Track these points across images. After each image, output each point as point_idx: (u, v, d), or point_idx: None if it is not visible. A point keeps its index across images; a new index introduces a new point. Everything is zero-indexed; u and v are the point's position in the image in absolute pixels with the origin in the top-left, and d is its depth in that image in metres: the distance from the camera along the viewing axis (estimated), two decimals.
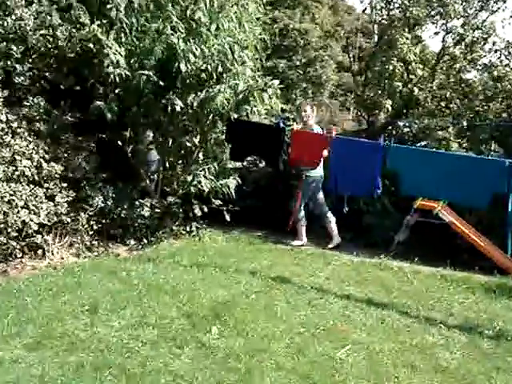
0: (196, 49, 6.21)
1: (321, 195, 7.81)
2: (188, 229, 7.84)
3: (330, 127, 6.54)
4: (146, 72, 6.21)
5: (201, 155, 7.62)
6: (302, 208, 7.94)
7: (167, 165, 7.69)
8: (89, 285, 5.70)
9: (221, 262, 6.70)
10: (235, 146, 6.95)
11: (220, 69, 6.38)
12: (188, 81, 6.47)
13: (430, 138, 8.20)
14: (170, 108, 6.52)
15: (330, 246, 7.90)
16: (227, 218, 7.81)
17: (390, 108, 8.38)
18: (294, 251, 7.59)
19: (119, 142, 7.27)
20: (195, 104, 6.55)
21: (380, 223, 8.10)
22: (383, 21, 9.24)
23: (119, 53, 6.10)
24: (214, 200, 7.71)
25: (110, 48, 5.96)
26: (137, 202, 7.48)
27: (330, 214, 7.90)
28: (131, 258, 6.81)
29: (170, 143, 7.48)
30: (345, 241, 8.19)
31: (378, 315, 5.45)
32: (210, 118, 7.18)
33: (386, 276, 6.76)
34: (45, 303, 5.16)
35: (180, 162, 7.80)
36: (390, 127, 8.89)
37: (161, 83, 6.58)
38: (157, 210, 7.53)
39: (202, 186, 7.19)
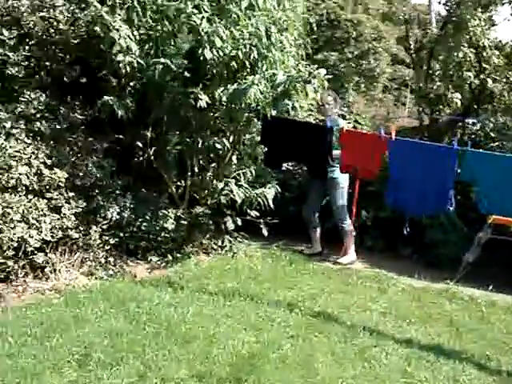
0: (223, 31, 4.91)
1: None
2: (220, 243, 6.60)
3: (386, 126, 5.14)
4: (163, 60, 4.96)
5: (234, 159, 6.35)
6: (347, 216, 6.61)
7: (196, 169, 6.43)
8: (88, 321, 4.53)
9: (253, 289, 5.45)
10: (271, 149, 5.62)
11: (254, 55, 5.08)
12: (215, 71, 5.20)
13: (506, 138, 6.70)
14: (197, 104, 5.26)
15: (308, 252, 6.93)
16: (265, 232, 6.53)
17: (459, 102, 6.90)
18: (342, 272, 6.25)
19: (139, 144, 6.07)
20: (224, 98, 5.27)
21: (445, 239, 6.69)
22: (448, 2, 7.68)
23: (129, 37, 4.86)
24: (249, 211, 6.41)
25: (118, 31, 4.73)
26: (160, 213, 6.27)
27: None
28: (149, 281, 5.62)
29: (200, 144, 6.20)
30: (403, 258, 6.84)
31: (449, 372, 4.13)
32: (246, 115, 5.89)
33: (455, 309, 5.38)
34: (26, 349, 4.02)
35: (212, 165, 6.53)
36: (457, 125, 7.41)
37: (186, 74, 5.35)
38: (182, 222, 6.31)
39: (234, 196, 5.91)
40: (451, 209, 4.63)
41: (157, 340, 4.16)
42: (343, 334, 4.52)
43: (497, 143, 7.10)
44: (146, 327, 4.38)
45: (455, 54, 6.78)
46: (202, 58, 5.02)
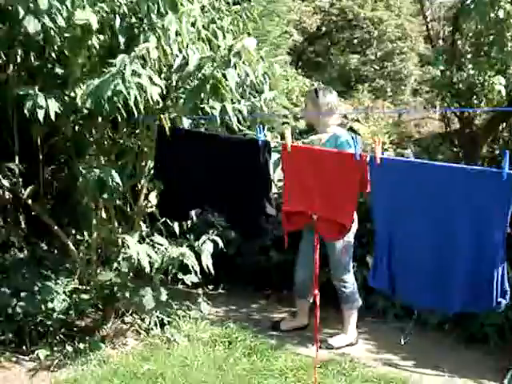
0: None
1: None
2: (148, 322, 4.15)
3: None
4: None
5: (153, 198, 3.90)
6: (351, 277, 4.08)
7: (103, 215, 4.00)
8: None
9: None
10: (169, 186, 3.11)
11: (118, 24, 2.63)
12: (53, 54, 2.76)
13: None
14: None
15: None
16: (204, 308, 4.02)
17: (502, 90, 4.22)
18: (328, 370, 3.69)
19: (4, 182, 3.71)
20: (87, 102, 2.83)
21: None
22: None
23: None
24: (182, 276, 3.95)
25: None
26: (50, 284, 3.90)
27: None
28: None
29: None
30: (430, 329, 4.27)
31: None
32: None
33: None
34: None
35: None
36: (500, 127, 4.73)
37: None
38: (84, 296, 3.91)
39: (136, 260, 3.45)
40: (504, 303, 2.06)
41: None
42: None
43: None
44: None
45: (492, 14, 4.15)
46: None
